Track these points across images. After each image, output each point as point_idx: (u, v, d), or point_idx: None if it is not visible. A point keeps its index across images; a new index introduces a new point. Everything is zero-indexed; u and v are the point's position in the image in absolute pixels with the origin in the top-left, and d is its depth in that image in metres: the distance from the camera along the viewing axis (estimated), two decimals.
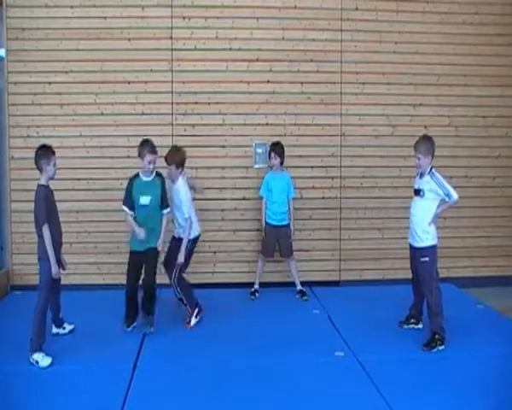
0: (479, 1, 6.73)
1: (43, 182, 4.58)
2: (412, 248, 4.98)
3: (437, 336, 4.71)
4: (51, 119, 6.35)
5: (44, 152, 4.57)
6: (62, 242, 4.80)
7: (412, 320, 5.21)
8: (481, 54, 6.76)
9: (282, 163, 6.19)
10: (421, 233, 4.84)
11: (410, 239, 4.99)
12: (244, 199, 6.57)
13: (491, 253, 6.92)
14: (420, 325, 5.19)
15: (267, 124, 6.57)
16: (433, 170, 4.87)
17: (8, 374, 4.20)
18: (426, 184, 4.84)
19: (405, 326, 5.20)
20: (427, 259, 4.81)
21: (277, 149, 6.13)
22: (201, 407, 3.84)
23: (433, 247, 4.84)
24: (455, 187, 4.84)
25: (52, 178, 4.64)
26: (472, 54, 6.75)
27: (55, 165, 4.59)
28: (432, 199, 4.84)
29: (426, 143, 4.89)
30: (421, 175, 4.91)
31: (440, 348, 4.69)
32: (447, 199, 4.81)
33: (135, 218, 5.08)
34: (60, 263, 4.67)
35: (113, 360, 4.46)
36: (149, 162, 5.04)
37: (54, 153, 4.60)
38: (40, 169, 4.57)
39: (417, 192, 4.91)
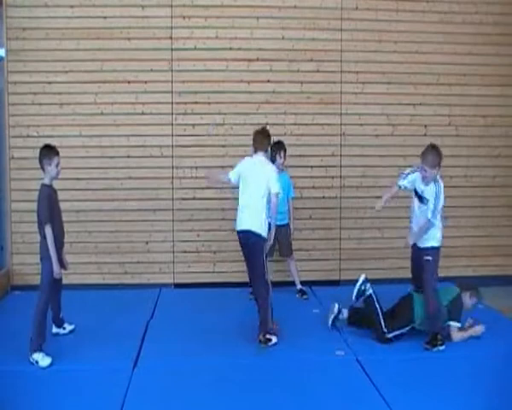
0: (478, 0, 6.73)
1: (46, 181, 4.59)
2: (416, 248, 4.96)
3: (439, 336, 4.72)
4: (51, 118, 6.35)
5: (47, 152, 4.57)
6: (64, 242, 4.80)
7: None
8: (481, 53, 6.76)
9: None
10: (432, 235, 4.82)
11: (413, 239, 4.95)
12: None
13: (491, 252, 6.91)
14: None
15: (267, 123, 6.54)
16: (439, 179, 4.76)
17: (8, 374, 4.20)
18: (430, 192, 4.75)
19: None
20: (430, 258, 4.80)
21: (284, 147, 6.10)
22: (201, 407, 3.84)
23: (437, 248, 4.85)
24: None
25: (55, 179, 4.64)
26: (471, 53, 6.75)
27: (57, 165, 4.58)
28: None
29: (433, 155, 4.71)
30: (427, 182, 4.80)
31: (441, 348, 4.69)
32: (429, 212, 4.72)
33: None
34: (61, 263, 4.67)
35: (113, 360, 4.45)
36: None
37: (57, 153, 4.59)
38: (43, 169, 4.58)
39: (421, 199, 4.83)
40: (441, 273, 5.06)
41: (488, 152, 6.85)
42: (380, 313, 4.85)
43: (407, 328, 4.85)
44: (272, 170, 4.96)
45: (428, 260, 4.80)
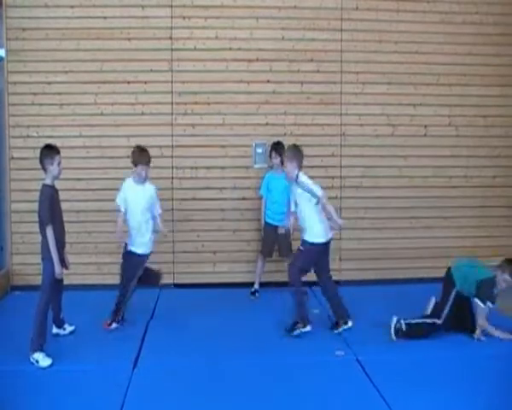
0: (479, 0, 6.73)
1: (47, 182, 4.58)
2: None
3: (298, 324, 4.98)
4: (51, 119, 6.35)
5: (48, 152, 4.56)
6: (66, 242, 4.80)
7: None
8: (481, 53, 6.76)
9: (283, 162, 6.18)
10: (310, 230, 4.98)
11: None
12: (244, 199, 6.58)
13: (492, 252, 6.88)
14: None
15: (267, 124, 6.57)
16: (300, 175, 4.94)
17: (8, 374, 4.20)
18: (296, 189, 4.97)
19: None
20: (302, 248, 4.99)
21: (278, 148, 6.13)
22: (201, 407, 3.84)
23: (311, 244, 4.95)
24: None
25: (57, 178, 4.63)
26: (472, 53, 6.76)
27: (59, 164, 4.58)
28: (307, 201, 4.94)
29: (290, 150, 5.06)
30: (289, 179, 5.04)
31: (304, 330, 4.92)
32: (314, 199, 4.90)
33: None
34: (63, 263, 4.67)
35: (113, 361, 4.46)
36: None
37: (58, 152, 4.59)
38: (44, 169, 4.57)
39: None
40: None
41: (488, 152, 6.85)
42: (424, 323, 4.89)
43: (452, 298, 4.85)
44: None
45: (300, 250, 5.01)
